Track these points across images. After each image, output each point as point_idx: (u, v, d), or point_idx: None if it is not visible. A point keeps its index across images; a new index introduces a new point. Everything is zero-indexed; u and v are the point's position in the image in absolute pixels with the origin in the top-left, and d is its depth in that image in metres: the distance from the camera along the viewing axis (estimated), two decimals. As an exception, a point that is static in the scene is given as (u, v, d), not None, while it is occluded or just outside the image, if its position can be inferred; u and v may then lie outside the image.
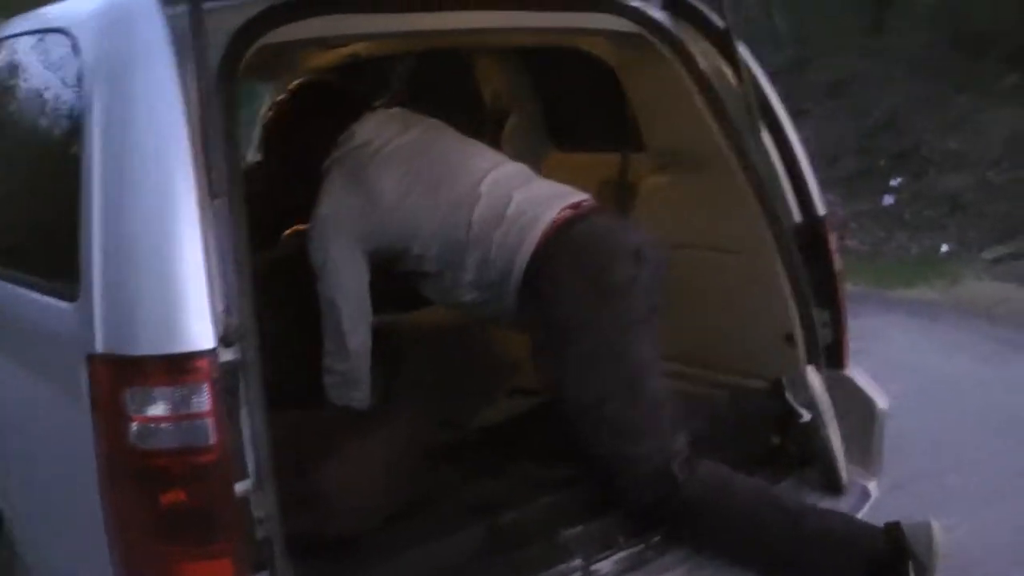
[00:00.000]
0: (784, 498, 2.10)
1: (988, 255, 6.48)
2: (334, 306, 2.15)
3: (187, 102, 1.56)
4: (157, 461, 1.49)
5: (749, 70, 2.34)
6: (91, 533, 1.57)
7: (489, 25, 2.23)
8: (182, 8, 1.59)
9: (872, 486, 2.31)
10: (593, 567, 1.98)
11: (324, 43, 2.50)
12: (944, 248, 6.85)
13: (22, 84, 2.32)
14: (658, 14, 2.32)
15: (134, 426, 1.48)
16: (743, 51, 2.33)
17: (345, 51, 3.63)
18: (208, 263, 1.51)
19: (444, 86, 3.62)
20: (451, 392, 2.61)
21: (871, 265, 6.71)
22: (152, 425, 1.48)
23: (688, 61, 2.34)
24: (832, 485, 2.26)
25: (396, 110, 2.42)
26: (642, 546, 2.04)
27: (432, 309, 2.61)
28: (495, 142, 3.39)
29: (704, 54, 2.37)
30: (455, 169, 2.20)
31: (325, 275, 2.15)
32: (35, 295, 1.86)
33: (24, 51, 2.27)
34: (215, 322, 1.50)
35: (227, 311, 1.54)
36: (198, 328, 1.49)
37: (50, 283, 1.78)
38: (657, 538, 2.06)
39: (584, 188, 2.90)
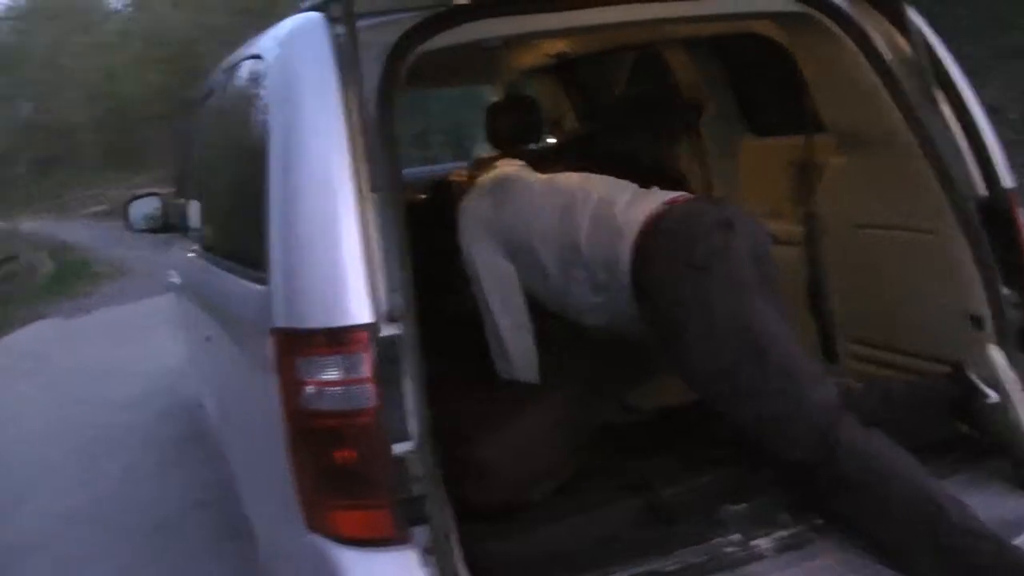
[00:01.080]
0: (942, 504, 1.89)
1: None
2: (481, 290, 2.40)
3: (348, 111, 1.78)
4: (323, 421, 1.72)
5: (923, 37, 2.24)
6: (285, 487, 1.81)
7: (648, 17, 2.30)
8: (343, 26, 1.81)
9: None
10: (752, 543, 1.98)
11: (482, 45, 2.68)
12: None
13: (236, 105, 2.67)
14: None
15: (305, 390, 1.72)
16: (915, 17, 2.24)
17: (553, 51, 3.82)
18: (367, 251, 1.72)
19: (651, 79, 3.74)
20: (627, 375, 2.68)
21: None
22: (319, 389, 1.71)
23: (858, 36, 2.28)
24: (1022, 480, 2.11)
25: (520, 162, 2.74)
26: (804, 527, 2.02)
27: None
28: (693, 131, 3.46)
29: (875, 26, 2.29)
30: (573, 186, 2.41)
31: (469, 262, 2.42)
32: (244, 281, 2.19)
33: (238, 75, 2.62)
34: (373, 301, 1.70)
35: (391, 290, 1.73)
36: (357, 306, 1.70)
37: (252, 271, 2.08)
38: (820, 520, 2.03)
39: (775, 171, 2.92)
